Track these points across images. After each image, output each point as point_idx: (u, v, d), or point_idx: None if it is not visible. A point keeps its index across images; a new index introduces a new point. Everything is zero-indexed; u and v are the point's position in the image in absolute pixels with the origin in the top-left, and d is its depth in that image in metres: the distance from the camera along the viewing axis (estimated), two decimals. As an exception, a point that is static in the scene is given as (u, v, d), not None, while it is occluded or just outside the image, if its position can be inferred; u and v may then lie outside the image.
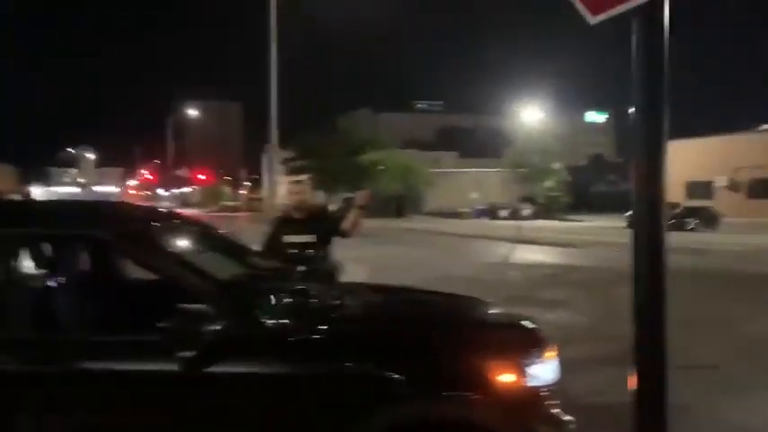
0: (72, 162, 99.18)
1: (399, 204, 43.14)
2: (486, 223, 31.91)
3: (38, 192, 78.88)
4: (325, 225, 5.00)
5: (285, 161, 55.88)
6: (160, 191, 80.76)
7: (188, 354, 2.46)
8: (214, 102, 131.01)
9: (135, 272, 3.42)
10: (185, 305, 2.49)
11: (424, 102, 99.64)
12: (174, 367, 2.47)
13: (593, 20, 2.22)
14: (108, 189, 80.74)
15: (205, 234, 4.11)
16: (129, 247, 2.76)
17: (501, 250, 19.63)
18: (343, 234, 4.99)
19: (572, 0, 2.25)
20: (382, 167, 45.19)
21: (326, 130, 52.95)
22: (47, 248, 3.31)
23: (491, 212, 44.60)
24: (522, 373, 2.77)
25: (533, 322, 3.22)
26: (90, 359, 2.53)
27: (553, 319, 8.09)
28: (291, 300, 2.83)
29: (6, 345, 2.55)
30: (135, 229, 2.82)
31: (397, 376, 2.54)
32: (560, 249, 20.59)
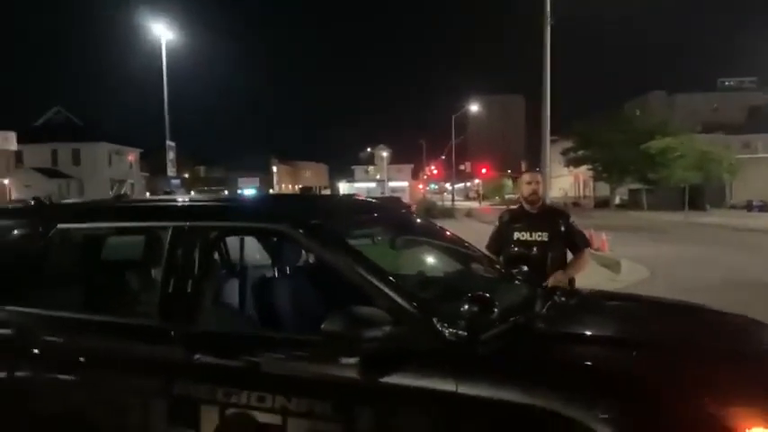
0: (370, 160, 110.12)
1: (694, 196, 38.00)
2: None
3: (343, 187, 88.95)
4: (560, 224, 4.45)
5: (565, 151, 53.83)
6: (446, 185, 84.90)
7: (349, 360, 2.29)
8: (497, 95, 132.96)
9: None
10: (352, 307, 2.32)
11: (731, 78, 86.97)
12: (337, 372, 2.33)
13: None
14: (399, 184, 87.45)
15: (422, 231, 3.94)
16: (307, 241, 2.69)
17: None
18: (574, 249, 4.48)
19: None
20: (676, 155, 40.53)
21: (611, 117, 49.41)
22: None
23: (818, 206, 36.91)
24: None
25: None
26: (265, 358, 2.51)
27: None
28: (478, 309, 2.46)
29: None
30: (317, 223, 2.74)
31: (589, 420, 2.01)
32: None
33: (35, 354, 2.88)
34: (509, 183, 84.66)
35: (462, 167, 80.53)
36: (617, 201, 51.55)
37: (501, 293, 2.88)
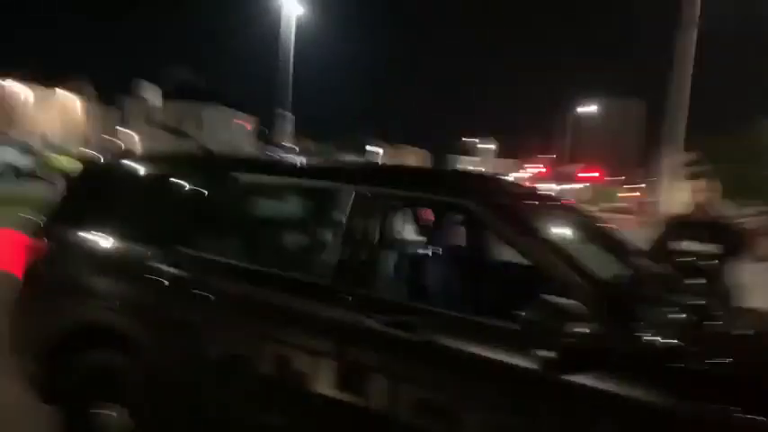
0: (471, 151, 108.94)
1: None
2: None
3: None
4: (732, 236, 4.11)
5: (687, 164, 50.62)
6: (552, 184, 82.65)
7: (545, 353, 2.15)
8: (616, 99, 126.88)
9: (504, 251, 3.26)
10: (551, 296, 2.17)
11: None
12: (525, 364, 2.19)
13: None
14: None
15: (585, 224, 3.73)
16: (496, 221, 2.56)
17: None
18: (756, 257, 4.10)
19: None
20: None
21: (743, 133, 45.80)
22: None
23: None
24: None
25: None
26: (441, 335, 2.42)
27: None
28: (683, 316, 2.26)
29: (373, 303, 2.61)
30: (506, 203, 2.61)
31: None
32: None
33: (206, 297, 2.93)
34: (619, 190, 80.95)
35: (571, 168, 77.71)
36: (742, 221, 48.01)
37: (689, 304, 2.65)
